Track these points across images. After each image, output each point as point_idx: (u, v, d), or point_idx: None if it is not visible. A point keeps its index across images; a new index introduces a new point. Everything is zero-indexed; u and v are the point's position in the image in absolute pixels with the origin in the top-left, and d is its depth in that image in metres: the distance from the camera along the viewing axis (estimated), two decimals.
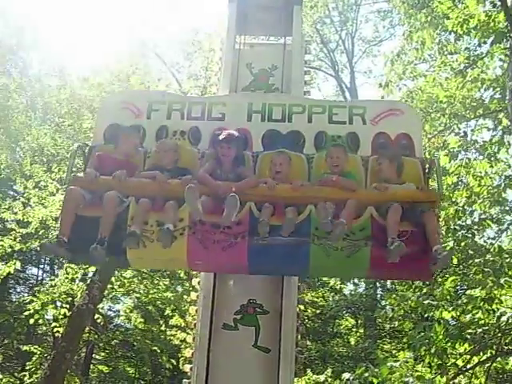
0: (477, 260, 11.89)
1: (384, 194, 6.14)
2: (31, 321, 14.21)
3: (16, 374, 18.01)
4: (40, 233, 15.78)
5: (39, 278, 32.96)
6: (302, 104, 7.35)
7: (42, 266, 36.10)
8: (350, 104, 7.63)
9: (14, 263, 15.29)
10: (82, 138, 17.95)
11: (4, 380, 16.82)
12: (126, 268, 15.12)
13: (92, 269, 15.21)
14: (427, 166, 6.82)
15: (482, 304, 11.16)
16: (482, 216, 13.46)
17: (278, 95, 7.90)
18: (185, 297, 15.95)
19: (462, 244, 12.49)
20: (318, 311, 30.86)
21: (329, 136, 7.05)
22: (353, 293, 31.99)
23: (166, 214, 5.98)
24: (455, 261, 12.69)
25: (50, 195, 16.06)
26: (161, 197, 6.08)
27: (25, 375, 14.42)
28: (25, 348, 14.96)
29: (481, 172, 13.27)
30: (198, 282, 7.59)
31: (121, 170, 6.25)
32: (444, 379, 11.48)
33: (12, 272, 15.97)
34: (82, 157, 7.01)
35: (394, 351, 22.22)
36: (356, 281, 33.34)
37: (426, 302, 11.97)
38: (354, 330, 32.06)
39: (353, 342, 30.36)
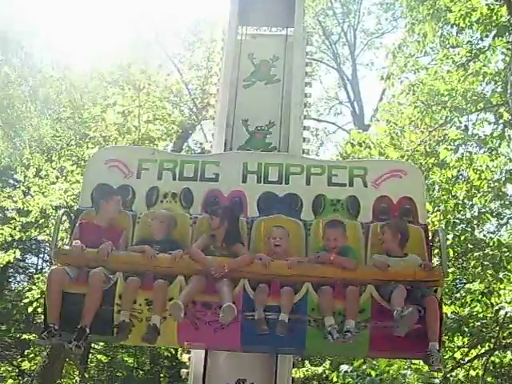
0: (476, 253, 11.92)
1: (385, 272, 5.93)
2: (30, 309, 14.20)
3: (14, 363, 18.00)
4: (40, 222, 15.79)
5: (39, 267, 33.01)
6: (299, 164, 7.10)
7: (41, 256, 36.21)
8: (350, 164, 7.30)
9: (14, 252, 15.32)
10: (81, 127, 17.95)
11: (2, 368, 16.79)
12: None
13: None
14: (430, 234, 6.64)
15: (480, 298, 11.21)
16: (482, 210, 13.46)
17: (274, 155, 7.60)
18: None
19: (462, 238, 12.50)
20: None
21: (328, 200, 6.83)
22: None
23: (155, 294, 5.81)
24: (453, 254, 12.70)
25: (51, 184, 16.05)
26: (150, 272, 5.89)
27: (23, 360, 14.42)
28: (24, 336, 14.95)
29: (481, 166, 13.24)
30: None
31: (105, 238, 6.08)
32: (441, 372, 11.53)
33: (12, 261, 15.98)
34: (68, 219, 6.83)
35: None
36: None
37: None
38: None
39: None
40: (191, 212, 6.72)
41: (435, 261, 6.96)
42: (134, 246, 6.32)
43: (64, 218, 6.74)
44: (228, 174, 6.99)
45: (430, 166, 13.36)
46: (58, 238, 6.60)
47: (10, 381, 14.32)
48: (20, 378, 14.45)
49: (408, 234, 6.34)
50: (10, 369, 17.45)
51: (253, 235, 6.52)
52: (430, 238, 6.59)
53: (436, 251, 7.02)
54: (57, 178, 16.19)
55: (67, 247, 6.20)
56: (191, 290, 5.80)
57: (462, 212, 13.27)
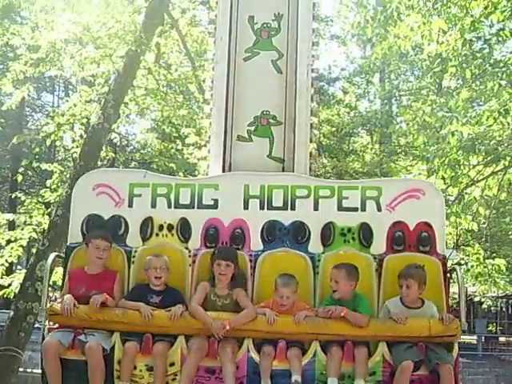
0: (493, 70, 11.70)
1: (398, 328, 5.53)
2: (48, 141, 14.37)
3: (40, 199, 18.46)
4: (50, 56, 15.56)
5: (55, 105, 33.23)
6: (306, 186, 6.44)
7: (56, 93, 36.34)
8: (362, 184, 6.57)
9: (27, 88, 15.25)
10: None
11: (27, 201, 17.21)
12: None
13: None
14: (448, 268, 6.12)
15: (497, 116, 11.14)
16: (501, 27, 12.98)
17: (277, 175, 6.75)
18: (200, 114, 15.87)
19: (479, 56, 12.18)
20: (333, 129, 31.10)
21: (338, 228, 6.23)
22: (368, 109, 32.05)
23: (155, 360, 5.51)
24: (469, 74, 12.41)
25: (58, 16, 15.67)
26: (148, 334, 5.58)
27: (46, 191, 14.77)
28: (44, 167, 15.17)
29: None
30: (211, 95, 7.20)
31: (98, 287, 5.76)
32: (456, 190, 11.73)
33: (26, 97, 15.94)
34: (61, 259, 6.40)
35: (408, 167, 22.51)
36: (371, 97, 33.33)
37: (440, 114, 11.97)
38: (370, 146, 32.51)
39: (368, 159, 30.80)
40: (190, 245, 6.30)
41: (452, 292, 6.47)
42: (131, 292, 6.01)
43: (56, 259, 6.41)
44: (228, 199, 6.44)
45: None
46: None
47: (36, 212, 14.71)
48: (46, 208, 14.88)
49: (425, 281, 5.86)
50: (34, 201, 17.79)
51: (257, 273, 6.10)
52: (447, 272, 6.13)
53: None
54: (63, 9, 15.75)
55: (58, 304, 5.78)
56: (194, 362, 5.55)
57: (479, 30, 12.82)
